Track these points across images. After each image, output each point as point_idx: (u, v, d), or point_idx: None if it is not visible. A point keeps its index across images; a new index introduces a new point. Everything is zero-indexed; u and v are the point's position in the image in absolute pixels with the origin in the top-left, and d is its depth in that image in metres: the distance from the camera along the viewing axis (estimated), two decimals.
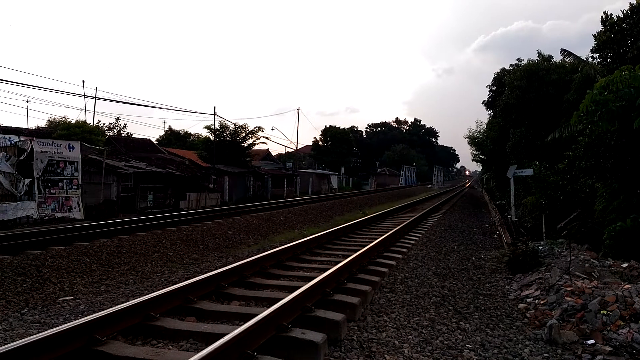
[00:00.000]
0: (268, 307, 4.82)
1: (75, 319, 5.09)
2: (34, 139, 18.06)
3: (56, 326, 4.63)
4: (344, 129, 79.70)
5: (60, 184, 17.83)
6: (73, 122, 31.26)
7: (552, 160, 17.09)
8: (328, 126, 75.64)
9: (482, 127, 37.35)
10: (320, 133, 75.44)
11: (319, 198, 33.05)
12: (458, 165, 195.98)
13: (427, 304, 6.55)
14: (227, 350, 3.80)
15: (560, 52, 22.42)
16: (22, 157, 17.03)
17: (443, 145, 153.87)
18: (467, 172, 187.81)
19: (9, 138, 18.76)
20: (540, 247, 10.33)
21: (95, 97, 36.65)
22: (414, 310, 6.20)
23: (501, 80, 28.03)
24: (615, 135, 9.82)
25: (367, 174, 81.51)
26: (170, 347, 4.57)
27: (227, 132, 38.39)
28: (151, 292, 5.85)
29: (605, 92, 9.24)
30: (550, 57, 24.01)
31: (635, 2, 15.75)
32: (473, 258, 10.83)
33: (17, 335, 5.18)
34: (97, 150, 22.45)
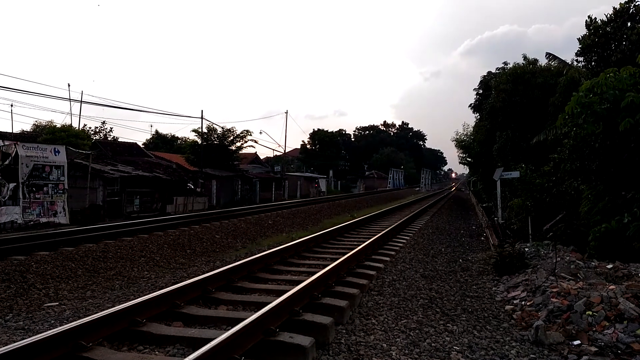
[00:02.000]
0: (256, 312, 4.81)
1: (61, 325, 5.02)
2: (19, 143, 17.82)
3: (41, 332, 4.57)
4: (332, 132, 79.89)
5: (45, 188, 17.60)
6: (59, 126, 30.91)
7: (538, 162, 17.23)
8: (316, 129, 75.81)
9: (468, 130, 37.73)
10: (309, 136, 75.54)
11: (307, 201, 33.02)
12: (445, 168, 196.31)
13: (414, 307, 6.57)
14: (214, 355, 3.78)
15: (546, 55, 22.64)
16: (6, 162, 16.80)
17: (430, 148, 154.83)
18: (453, 175, 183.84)
19: None
20: (526, 249, 10.41)
21: (81, 101, 36.42)
22: (401, 313, 6.21)
23: (487, 83, 28.25)
24: (600, 137, 9.93)
25: (355, 177, 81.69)
26: (157, 352, 4.53)
27: (215, 135, 38.22)
28: (137, 297, 5.80)
29: (591, 95, 9.34)
30: (536, 60, 24.24)
31: (618, 6, 15.99)
32: (460, 260, 10.89)
33: (1, 342, 5.10)
34: (83, 155, 22.21)
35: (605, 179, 10.25)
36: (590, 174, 10.81)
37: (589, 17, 17.02)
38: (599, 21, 16.59)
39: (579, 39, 17.41)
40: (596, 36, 16.41)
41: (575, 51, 18.11)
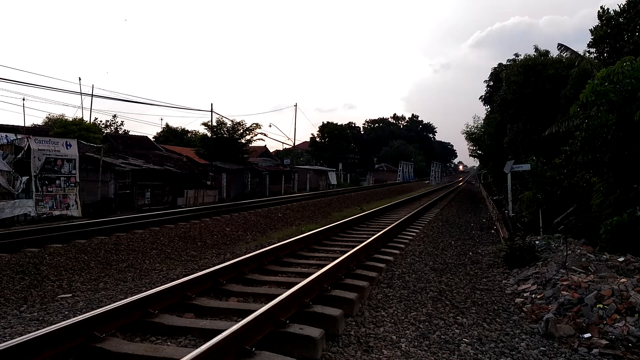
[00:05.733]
0: (266, 303, 4.84)
1: (74, 316, 5.10)
2: (31, 136, 18.00)
3: (55, 323, 4.64)
4: (342, 125, 79.47)
5: (57, 181, 17.79)
6: (70, 119, 31.14)
7: (549, 155, 17.11)
8: (326, 122, 75.38)
9: (479, 122, 37.52)
10: (318, 129, 75.21)
11: (316, 194, 33.04)
12: (456, 161, 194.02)
13: (424, 299, 6.58)
14: (226, 346, 3.82)
15: (557, 47, 22.40)
16: (19, 155, 16.99)
17: (440, 141, 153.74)
18: (460, 168, 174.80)
19: (6, 136, 18.65)
20: (537, 242, 10.36)
21: (92, 95, 36.53)
22: (411, 305, 6.23)
23: (498, 75, 28.02)
24: (612, 129, 9.84)
25: (365, 170, 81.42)
26: (169, 343, 4.59)
27: (225, 128, 38.30)
28: (149, 289, 5.87)
29: (606, 83, 9.25)
30: (547, 52, 23.99)
31: None
32: (470, 253, 10.86)
33: (16, 333, 5.20)
34: (94, 148, 22.39)
35: (617, 171, 10.17)
36: (602, 167, 10.73)
37: (601, 7, 16.82)
38: (612, 12, 16.37)
39: (591, 30, 17.20)
40: (608, 27, 16.21)
41: (587, 42, 17.92)
